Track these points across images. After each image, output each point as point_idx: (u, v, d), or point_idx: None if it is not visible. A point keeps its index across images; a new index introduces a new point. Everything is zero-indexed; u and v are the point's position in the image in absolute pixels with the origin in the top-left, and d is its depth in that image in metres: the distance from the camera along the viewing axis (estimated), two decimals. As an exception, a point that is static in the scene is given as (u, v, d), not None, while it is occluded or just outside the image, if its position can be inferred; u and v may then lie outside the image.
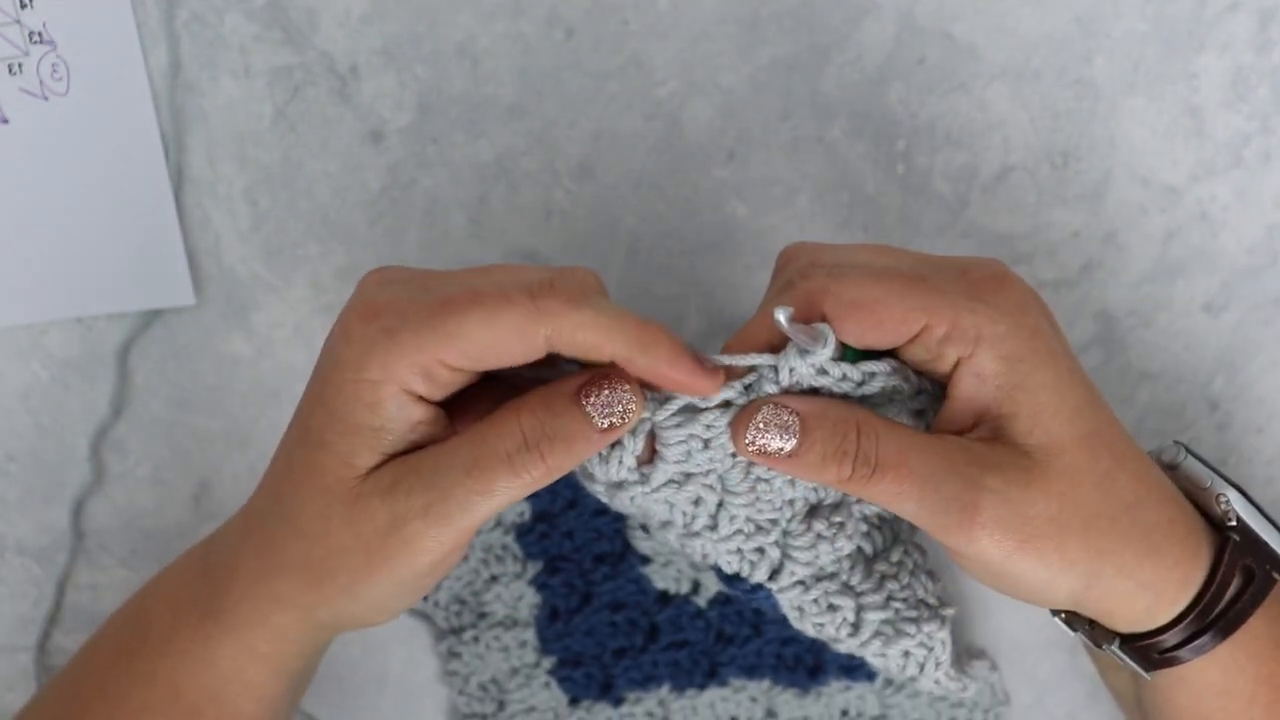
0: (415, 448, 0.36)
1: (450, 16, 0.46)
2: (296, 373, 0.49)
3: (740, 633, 0.50)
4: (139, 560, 0.51)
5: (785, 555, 0.39)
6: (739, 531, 0.39)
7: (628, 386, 0.35)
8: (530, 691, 0.50)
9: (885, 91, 0.47)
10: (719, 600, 0.49)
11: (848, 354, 0.37)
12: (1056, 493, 0.36)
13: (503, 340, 0.34)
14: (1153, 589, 0.37)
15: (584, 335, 0.34)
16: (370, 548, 0.35)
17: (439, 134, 0.47)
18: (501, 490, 0.35)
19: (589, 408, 0.35)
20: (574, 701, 0.50)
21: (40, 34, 0.45)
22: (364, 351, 0.34)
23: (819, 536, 0.39)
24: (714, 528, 0.39)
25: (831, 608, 0.40)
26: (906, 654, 0.41)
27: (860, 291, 0.35)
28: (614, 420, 0.35)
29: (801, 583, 0.40)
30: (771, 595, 0.40)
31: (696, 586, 0.50)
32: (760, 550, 0.39)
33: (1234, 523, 0.38)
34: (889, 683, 0.50)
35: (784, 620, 0.41)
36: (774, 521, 0.39)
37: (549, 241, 0.48)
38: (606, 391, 0.35)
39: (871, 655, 0.41)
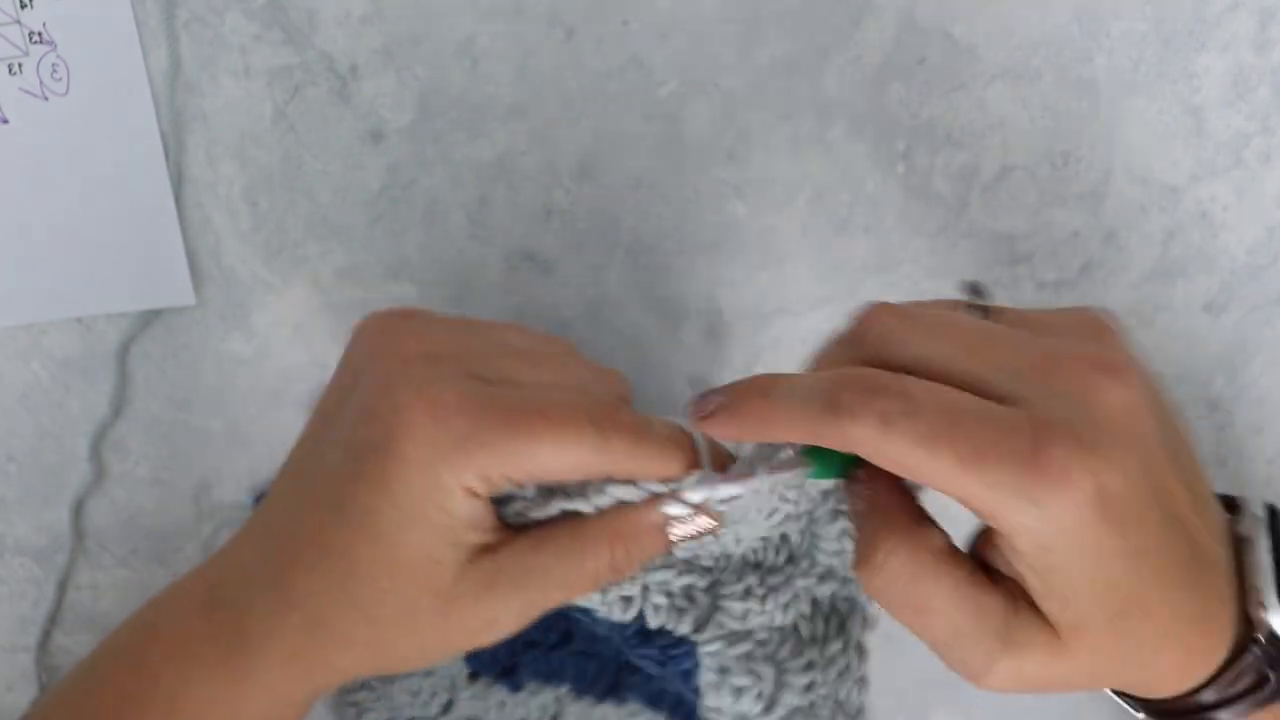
0: (479, 535, 0.37)
1: (450, 16, 0.46)
2: (296, 373, 0.49)
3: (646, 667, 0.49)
4: (139, 560, 0.51)
5: (715, 606, 0.39)
6: (670, 567, 0.39)
7: (710, 524, 0.37)
8: None
9: (885, 91, 0.47)
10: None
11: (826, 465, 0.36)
12: (1077, 665, 0.35)
13: (566, 469, 0.36)
14: (1161, 677, 0.36)
15: (640, 472, 0.37)
16: (453, 641, 0.38)
17: (439, 134, 0.47)
18: (580, 595, 0.38)
19: (673, 537, 0.37)
20: (473, 676, 0.50)
21: (40, 34, 0.45)
22: (436, 455, 0.35)
23: (748, 591, 0.39)
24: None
25: (753, 673, 0.39)
26: None
27: (905, 455, 0.32)
28: (687, 539, 0.38)
29: (728, 637, 0.39)
30: (692, 654, 0.39)
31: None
32: (690, 596, 0.39)
33: (1262, 639, 0.36)
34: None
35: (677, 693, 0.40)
36: (708, 569, 0.39)
37: (549, 241, 0.48)
38: (692, 530, 0.38)
39: None
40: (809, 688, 0.40)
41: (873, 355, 0.34)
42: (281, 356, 0.49)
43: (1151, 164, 0.48)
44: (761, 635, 0.39)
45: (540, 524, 0.37)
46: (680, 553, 0.38)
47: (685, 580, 0.39)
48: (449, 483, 0.35)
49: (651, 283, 0.49)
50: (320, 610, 0.37)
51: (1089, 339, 0.34)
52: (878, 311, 0.35)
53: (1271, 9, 0.46)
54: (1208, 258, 0.49)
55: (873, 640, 0.52)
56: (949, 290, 0.49)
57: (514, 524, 0.37)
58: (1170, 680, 0.36)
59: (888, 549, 0.34)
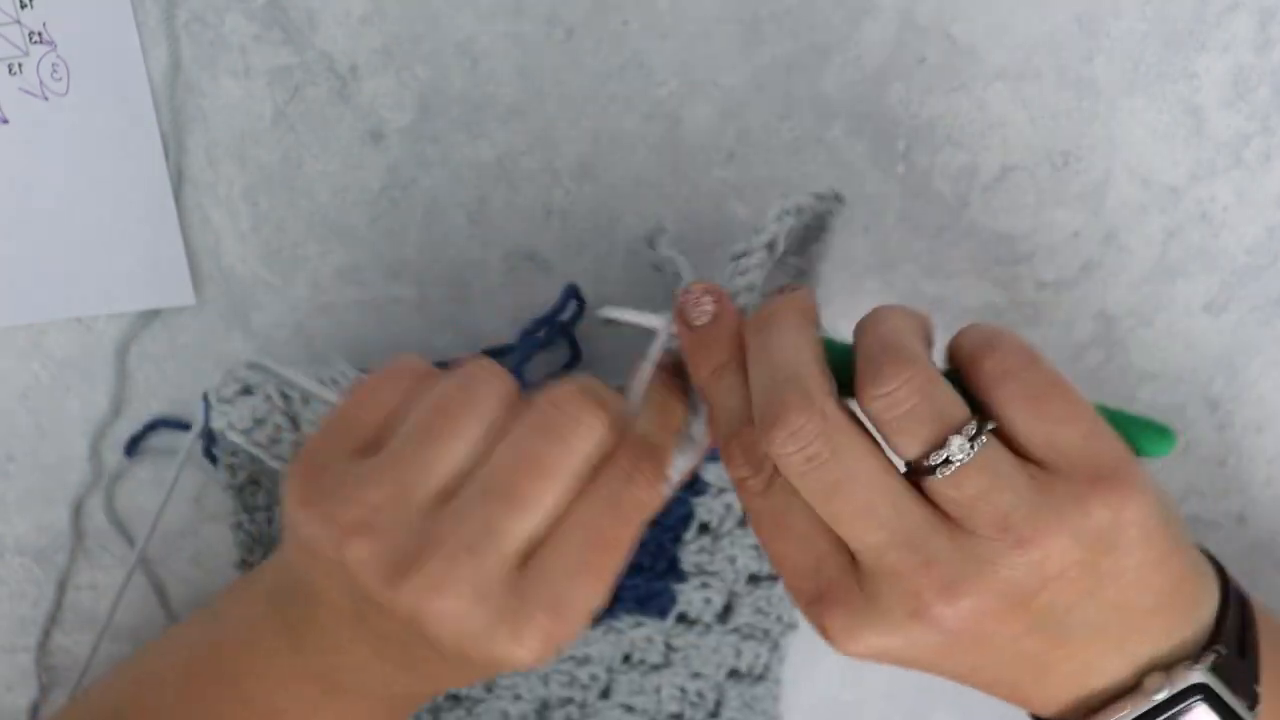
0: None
1: (450, 16, 0.46)
2: (296, 373, 0.49)
3: None
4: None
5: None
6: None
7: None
8: None
9: (885, 91, 0.47)
10: None
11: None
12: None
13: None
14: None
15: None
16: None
17: (439, 134, 0.47)
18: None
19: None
20: None
21: (40, 34, 0.45)
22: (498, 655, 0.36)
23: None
24: None
25: None
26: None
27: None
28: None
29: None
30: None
31: None
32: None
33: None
34: (681, 618, 0.49)
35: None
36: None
37: (549, 241, 0.48)
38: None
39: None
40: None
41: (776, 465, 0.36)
42: (281, 356, 0.49)
43: (1151, 164, 0.48)
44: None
45: None
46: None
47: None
48: (521, 668, 0.36)
49: (651, 283, 0.49)
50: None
51: (1005, 538, 0.34)
52: (800, 431, 0.34)
53: (1271, 9, 0.46)
54: (1208, 258, 0.49)
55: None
56: (950, 290, 0.49)
57: None
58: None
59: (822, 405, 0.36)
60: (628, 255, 0.49)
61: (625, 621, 0.49)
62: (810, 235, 0.42)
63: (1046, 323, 0.49)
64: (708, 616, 0.49)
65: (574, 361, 0.49)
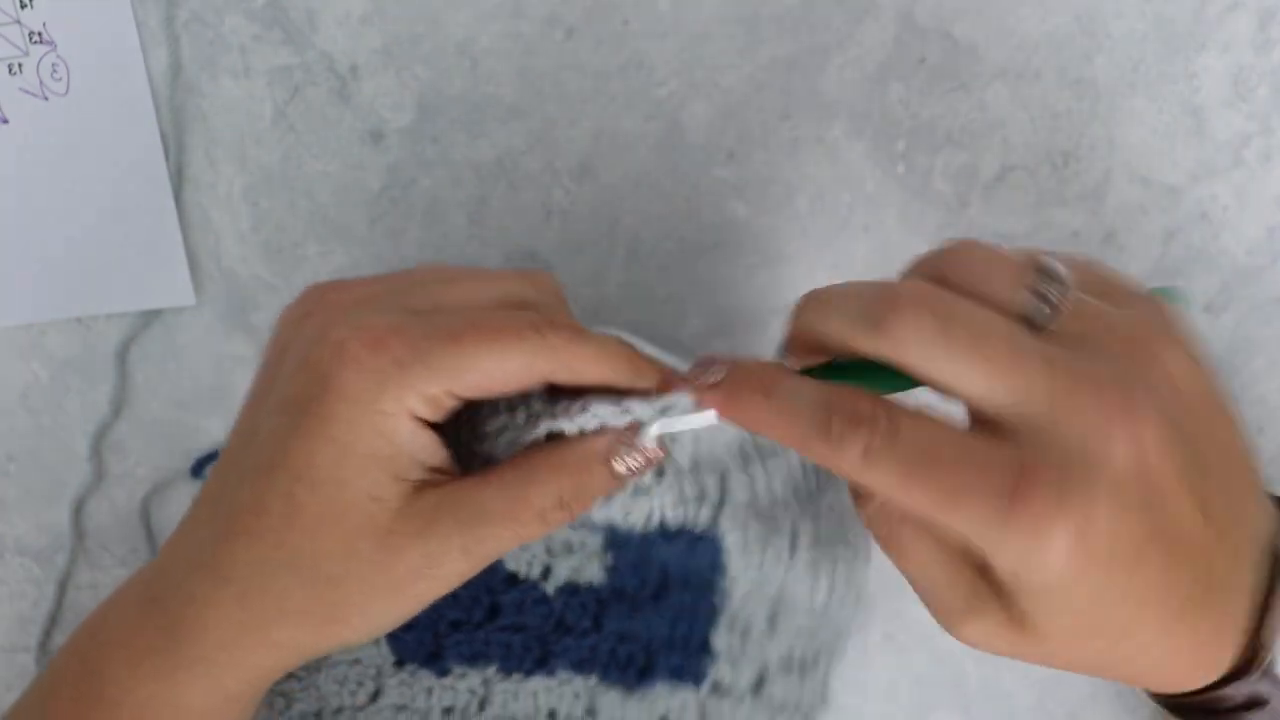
0: (425, 472, 0.36)
1: (450, 16, 0.46)
2: (296, 373, 0.49)
3: (580, 624, 0.49)
4: (139, 560, 0.51)
5: (724, 493, 0.41)
6: (679, 471, 0.41)
7: (648, 446, 0.37)
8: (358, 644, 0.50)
9: (885, 91, 0.47)
10: (566, 589, 0.49)
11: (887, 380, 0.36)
12: (1043, 652, 0.34)
13: (511, 375, 0.35)
14: (1185, 657, 0.34)
15: (585, 369, 0.36)
16: (399, 586, 0.36)
17: (439, 134, 0.47)
18: (530, 537, 0.36)
19: (618, 467, 0.37)
20: (399, 663, 0.50)
21: (40, 34, 0.45)
22: (377, 383, 0.34)
23: (751, 474, 0.41)
24: (661, 474, 0.41)
25: (768, 540, 0.42)
26: (832, 588, 0.44)
27: (884, 488, 0.32)
28: (635, 471, 0.37)
29: (743, 521, 0.42)
30: (714, 539, 0.41)
31: (546, 572, 0.49)
32: (701, 491, 0.41)
33: (1261, 666, 0.35)
34: (715, 687, 0.50)
35: (693, 577, 0.43)
36: (713, 466, 0.41)
37: (549, 241, 0.48)
38: (634, 454, 0.37)
39: (801, 591, 0.44)
40: (816, 537, 0.43)
41: (890, 355, 0.33)
42: (281, 356, 0.49)
43: (1151, 164, 0.48)
44: (768, 506, 0.42)
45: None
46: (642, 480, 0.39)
47: (696, 482, 0.41)
48: (392, 408, 0.34)
49: (651, 283, 0.49)
50: (254, 579, 0.36)
51: (1137, 352, 0.32)
52: (915, 305, 0.32)
53: (1271, 9, 0.46)
54: (1208, 258, 0.49)
55: (873, 641, 0.52)
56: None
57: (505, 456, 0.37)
58: (1157, 683, 0.36)
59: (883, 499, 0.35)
60: (628, 255, 0.49)
61: (659, 691, 0.50)
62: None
63: (1046, 323, 0.49)
64: (740, 689, 0.49)
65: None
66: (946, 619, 0.35)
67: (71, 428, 0.50)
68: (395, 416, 0.34)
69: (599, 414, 0.37)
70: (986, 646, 0.35)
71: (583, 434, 0.37)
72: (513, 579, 0.49)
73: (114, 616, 0.39)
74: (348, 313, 0.36)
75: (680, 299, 0.49)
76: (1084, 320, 0.33)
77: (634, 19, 0.46)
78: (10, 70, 0.46)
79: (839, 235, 0.48)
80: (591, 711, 0.50)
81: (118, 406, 0.50)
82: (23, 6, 0.45)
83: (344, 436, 0.34)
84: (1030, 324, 0.33)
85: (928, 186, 0.48)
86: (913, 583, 0.35)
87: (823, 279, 0.49)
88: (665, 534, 0.42)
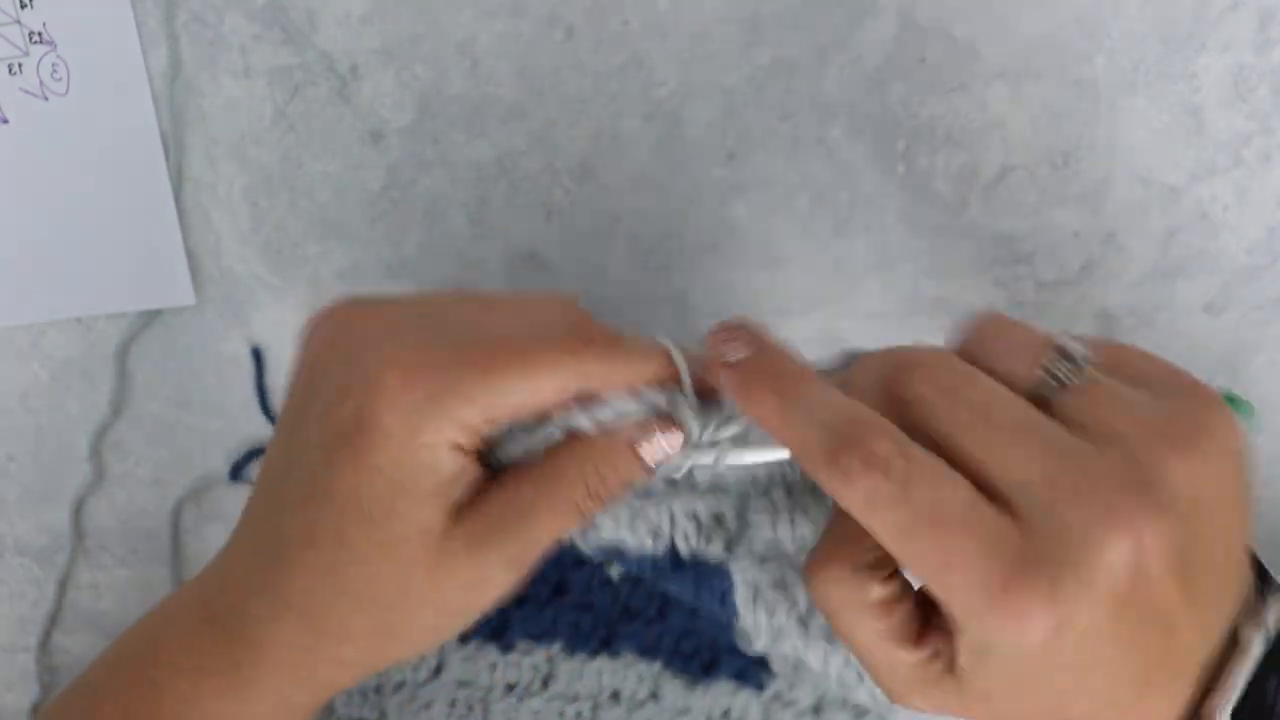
0: (466, 491, 0.37)
1: (450, 16, 0.46)
2: (296, 373, 0.49)
3: (646, 611, 0.49)
4: (139, 560, 0.51)
5: (744, 526, 0.39)
6: (697, 491, 0.39)
7: (672, 430, 0.37)
8: None
9: (885, 91, 0.47)
10: (629, 578, 0.49)
11: None
12: (992, 712, 0.34)
13: (547, 397, 0.36)
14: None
15: (619, 380, 0.36)
16: (453, 606, 0.37)
17: (439, 134, 0.47)
18: (568, 527, 0.37)
19: (644, 454, 0.37)
20: (463, 639, 0.50)
21: (40, 34, 0.45)
22: (416, 417, 0.34)
23: (776, 510, 0.39)
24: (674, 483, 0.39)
25: (786, 588, 0.39)
26: (848, 660, 0.40)
27: (881, 535, 0.32)
28: (661, 460, 0.37)
29: (759, 556, 0.40)
30: (726, 576, 0.40)
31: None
32: (718, 520, 0.39)
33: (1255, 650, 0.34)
34: (777, 697, 0.50)
35: (710, 616, 0.41)
36: (734, 492, 0.39)
37: (549, 241, 0.48)
38: (659, 440, 0.37)
39: (814, 658, 0.41)
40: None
41: (901, 418, 0.32)
42: (281, 356, 0.49)
43: (1151, 164, 0.48)
44: (791, 549, 0.39)
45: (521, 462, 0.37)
46: (665, 473, 0.38)
47: (711, 505, 0.39)
48: (433, 440, 0.34)
49: (651, 282, 0.49)
50: (315, 605, 0.36)
51: (1158, 446, 0.31)
52: (931, 372, 0.32)
53: (1271, 9, 0.46)
54: (1208, 258, 0.49)
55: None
56: (950, 290, 0.49)
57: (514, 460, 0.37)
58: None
59: (831, 576, 0.34)
60: (628, 255, 0.49)
61: (722, 687, 0.49)
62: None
63: (1046, 323, 0.49)
64: (802, 707, 0.49)
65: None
66: (888, 693, 0.35)
67: (71, 428, 0.50)
68: (437, 448, 0.35)
69: (616, 406, 0.36)
70: (931, 711, 0.34)
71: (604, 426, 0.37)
72: (580, 559, 0.48)
73: (170, 630, 0.40)
74: (379, 342, 0.35)
75: (680, 299, 0.49)
76: (1102, 407, 0.32)
77: (634, 19, 0.46)
78: (10, 70, 0.46)
79: (839, 235, 0.48)
80: (656, 695, 0.50)
81: (118, 406, 0.50)
82: (23, 6, 0.45)
83: (389, 471, 0.35)
84: (1042, 404, 0.32)
85: (928, 186, 0.48)
86: (857, 656, 0.35)
87: (823, 279, 0.49)
88: (677, 563, 0.41)
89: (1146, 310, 0.49)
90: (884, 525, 0.31)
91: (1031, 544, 0.30)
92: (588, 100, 0.47)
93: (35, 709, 0.52)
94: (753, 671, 0.48)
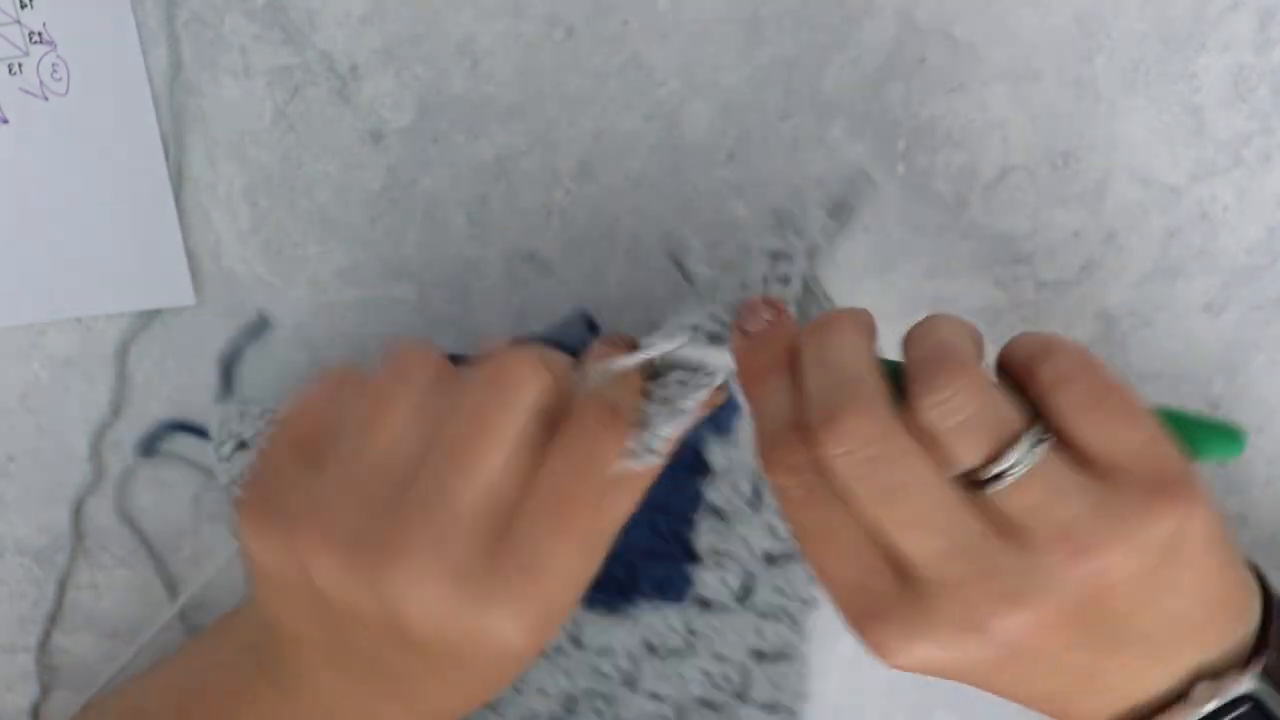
0: None
1: (450, 16, 0.46)
2: (296, 373, 0.49)
3: None
4: (139, 560, 0.51)
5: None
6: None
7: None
8: None
9: (885, 91, 0.47)
10: None
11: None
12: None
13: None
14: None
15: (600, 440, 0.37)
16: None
17: (439, 134, 0.47)
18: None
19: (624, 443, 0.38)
20: None
21: (40, 34, 0.45)
22: (470, 651, 0.35)
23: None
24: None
25: None
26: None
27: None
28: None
29: None
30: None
31: None
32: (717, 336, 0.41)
33: None
34: (700, 602, 0.49)
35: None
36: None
37: (549, 241, 0.48)
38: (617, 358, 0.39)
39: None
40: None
41: (824, 471, 0.34)
42: (281, 357, 0.49)
43: (1151, 164, 0.48)
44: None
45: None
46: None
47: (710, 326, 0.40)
48: (512, 652, 0.35)
49: (652, 282, 0.49)
50: (362, 667, 0.37)
51: (1051, 558, 0.33)
52: (858, 431, 0.33)
53: (1271, 9, 0.46)
54: (1208, 258, 0.49)
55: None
56: (950, 290, 0.49)
57: None
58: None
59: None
60: (628, 255, 0.49)
61: (643, 608, 0.48)
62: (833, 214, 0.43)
63: (1046, 323, 0.49)
64: (726, 598, 0.49)
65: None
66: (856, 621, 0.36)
67: (71, 428, 0.50)
68: (500, 653, 0.35)
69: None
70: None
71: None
72: None
73: (219, 674, 0.41)
74: (344, 556, 0.34)
75: (680, 299, 0.49)
76: (1028, 498, 0.33)
77: (634, 19, 0.46)
78: (10, 70, 0.46)
79: (839, 235, 0.48)
80: (576, 640, 0.49)
81: (118, 406, 0.50)
82: (23, 6, 0.45)
83: (470, 689, 0.38)
84: (975, 486, 0.33)
85: (928, 186, 0.48)
86: (825, 579, 0.36)
87: (822, 279, 0.49)
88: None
89: (1146, 310, 0.49)
90: (787, 517, 0.36)
91: (900, 603, 0.34)
92: (588, 100, 0.47)
93: (35, 709, 0.53)
94: (672, 575, 0.48)
